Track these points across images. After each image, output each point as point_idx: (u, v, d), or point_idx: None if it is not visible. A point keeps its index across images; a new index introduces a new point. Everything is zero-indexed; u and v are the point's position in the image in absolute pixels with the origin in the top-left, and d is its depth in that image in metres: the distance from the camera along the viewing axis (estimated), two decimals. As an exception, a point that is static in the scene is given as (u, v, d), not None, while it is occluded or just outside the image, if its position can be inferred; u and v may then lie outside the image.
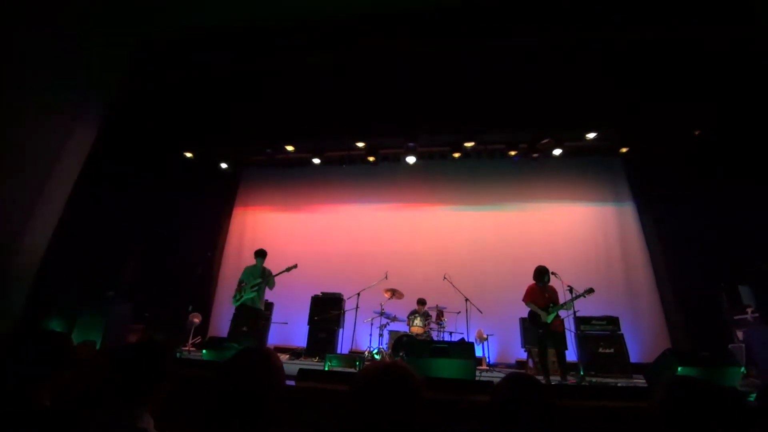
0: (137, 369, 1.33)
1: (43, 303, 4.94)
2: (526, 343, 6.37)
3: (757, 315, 5.21)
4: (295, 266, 5.88)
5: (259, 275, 5.78)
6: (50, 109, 4.22)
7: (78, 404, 1.43)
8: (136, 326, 6.07)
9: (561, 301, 5.08)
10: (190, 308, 7.12)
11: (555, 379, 4.85)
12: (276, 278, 5.85)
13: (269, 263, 5.97)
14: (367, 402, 1.03)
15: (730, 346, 5.29)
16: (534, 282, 5.20)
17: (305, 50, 5.24)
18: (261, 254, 5.93)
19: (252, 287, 5.68)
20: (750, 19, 4.05)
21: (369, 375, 1.09)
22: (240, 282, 5.84)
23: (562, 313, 5.08)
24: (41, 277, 4.16)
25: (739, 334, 5.28)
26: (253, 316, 5.67)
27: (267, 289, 5.84)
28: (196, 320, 6.98)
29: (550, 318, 4.91)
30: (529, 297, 5.15)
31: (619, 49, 5.04)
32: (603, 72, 5.38)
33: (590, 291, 4.93)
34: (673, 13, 4.33)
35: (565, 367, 4.86)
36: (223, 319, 7.83)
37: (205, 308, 7.91)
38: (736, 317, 5.48)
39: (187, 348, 6.50)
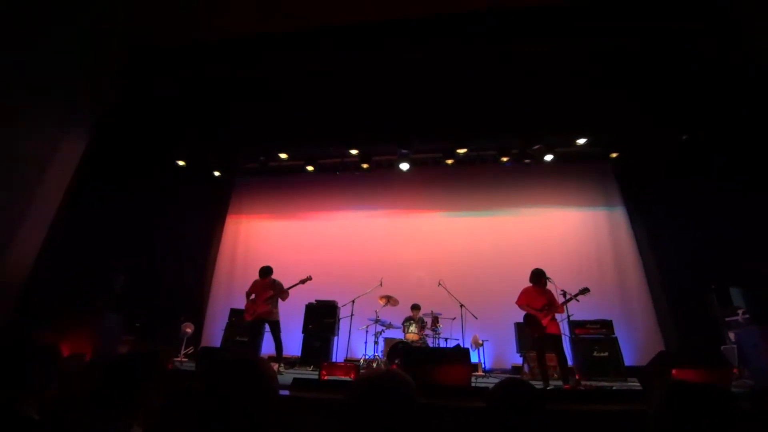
0: (127, 380, 1.31)
1: (32, 314, 4.85)
2: (521, 348, 6.36)
3: (747, 316, 5.26)
4: (310, 278, 5.93)
5: (270, 288, 5.77)
6: (40, 117, 4.19)
7: (66, 416, 1.40)
8: (126, 337, 5.97)
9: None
10: (183, 318, 7.03)
11: (556, 384, 4.74)
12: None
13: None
14: (362, 410, 1.02)
15: (722, 347, 5.33)
16: (531, 285, 5.05)
17: (299, 59, 5.28)
18: (266, 272, 5.89)
19: (265, 301, 5.67)
20: (738, 25, 4.15)
21: (364, 383, 1.09)
22: (248, 294, 5.83)
23: (557, 316, 5.04)
24: (30, 287, 4.09)
25: (731, 336, 5.33)
26: (274, 328, 5.70)
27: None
28: (189, 330, 6.89)
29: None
30: (524, 300, 5.00)
31: (608, 55, 5.14)
32: (592, 78, 5.47)
33: (585, 291, 4.81)
34: (661, 16, 4.43)
35: (567, 371, 4.68)
36: (216, 329, 7.73)
37: (198, 318, 7.80)
38: (727, 319, 5.54)
39: (179, 358, 6.41)
